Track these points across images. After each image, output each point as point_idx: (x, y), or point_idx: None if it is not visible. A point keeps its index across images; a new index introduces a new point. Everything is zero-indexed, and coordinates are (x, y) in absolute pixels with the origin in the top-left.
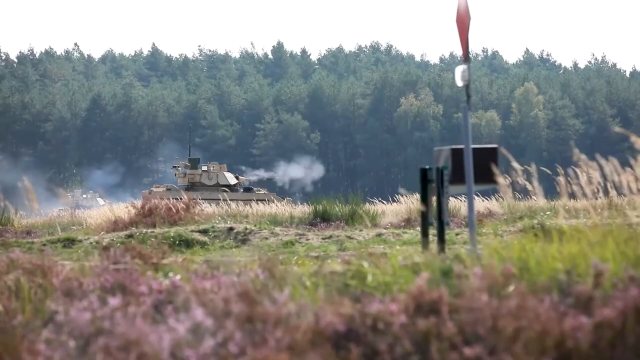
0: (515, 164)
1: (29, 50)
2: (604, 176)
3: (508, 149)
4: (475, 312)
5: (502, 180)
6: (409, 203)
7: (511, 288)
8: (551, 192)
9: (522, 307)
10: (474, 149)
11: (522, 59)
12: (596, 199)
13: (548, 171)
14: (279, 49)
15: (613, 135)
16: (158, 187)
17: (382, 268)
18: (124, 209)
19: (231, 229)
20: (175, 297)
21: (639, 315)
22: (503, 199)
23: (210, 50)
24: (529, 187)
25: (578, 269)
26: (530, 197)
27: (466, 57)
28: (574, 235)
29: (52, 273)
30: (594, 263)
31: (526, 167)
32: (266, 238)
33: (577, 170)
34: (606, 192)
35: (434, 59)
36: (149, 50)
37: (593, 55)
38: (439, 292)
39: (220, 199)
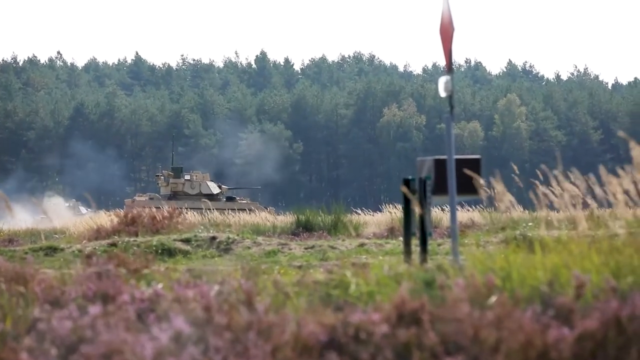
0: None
1: (12, 59)
2: (589, 187)
3: (490, 160)
4: (457, 322)
5: (501, 188)
6: (392, 213)
7: (493, 299)
8: (533, 203)
9: (504, 317)
10: (457, 160)
11: (504, 70)
12: (583, 208)
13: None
14: (262, 58)
15: (595, 146)
16: (141, 196)
17: (365, 278)
18: (106, 217)
19: (214, 238)
20: (158, 306)
21: (620, 326)
22: (486, 210)
23: (193, 60)
24: (512, 197)
25: (560, 279)
26: (514, 208)
27: (449, 68)
28: (556, 246)
29: (34, 281)
30: (576, 274)
31: (513, 175)
32: (249, 247)
33: (558, 181)
34: (588, 204)
35: (417, 70)
36: (132, 59)
37: (575, 67)
38: (421, 301)
39: (203, 208)
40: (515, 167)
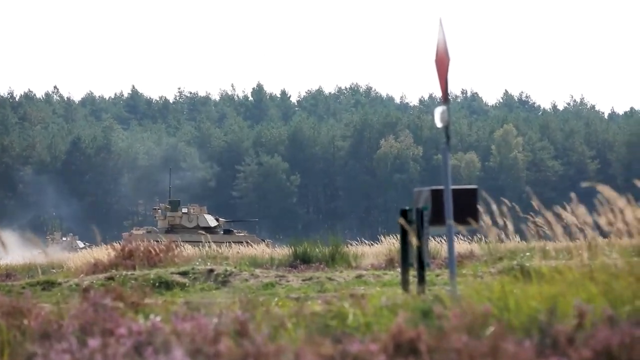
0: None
1: (8, 93)
2: (591, 215)
3: (488, 191)
4: (454, 352)
5: (487, 221)
6: (390, 244)
7: (491, 328)
8: (531, 233)
9: (499, 347)
10: (454, 190)
11: (501, 100)
12: (582, 238)
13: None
14: (259, 91)
15: (592, 176)
16: (138, 229)
17: (362, 309)
18: (103, 251)
19: (211, 270)
20: (155, 339)
21: (613, 355)
22: (484, 240)
23: (190, 93)
24: (509, 227)
25: (557, 309)
26: (510, 239)
27: (445, 99)
28: (553, 276)
29: (31, 315)
30: (577, 304)
31: (514, 204)
32: (246, 280)
33: (553, 212)
34: (585, 234)
35: (413, 101)
36: (128, 93)
37: (572, 97)
38: (417, 331)
39: (200, 241)
40: (506, 201)
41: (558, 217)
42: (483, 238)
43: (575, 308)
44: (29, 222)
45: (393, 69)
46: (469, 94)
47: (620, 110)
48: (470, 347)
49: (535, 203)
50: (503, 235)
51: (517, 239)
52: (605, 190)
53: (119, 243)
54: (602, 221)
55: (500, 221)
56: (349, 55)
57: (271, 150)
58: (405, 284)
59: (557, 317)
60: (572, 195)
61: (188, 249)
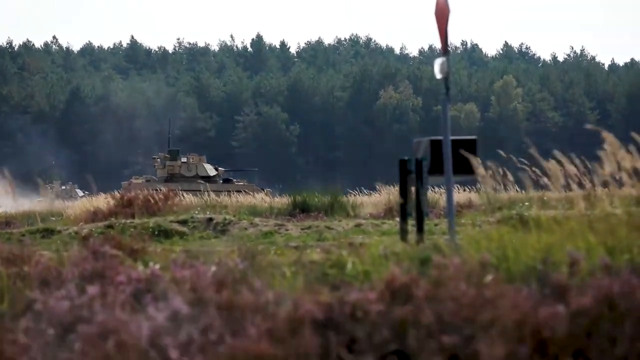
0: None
1: (7, 43)
2: (585, 168)
3: (487, 141)
4: (452, 300)
5: (481, 171)
6: (389, 194)
7: (489, 277)
8: (530, 183)
9: (498, 296)
10: (453, 140)
11: (501, 52)
12: (580, 188)
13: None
14: (258, 41)
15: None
16: (137, 178)
17: (361, 257)
18: (103, 200)
19: (210, 219)
20: (155, 286)
21: (613, 303)
22: (482, 190)
23: (189, 43)
24: (509, 177)
25: (554, 258)
26: (509, 189)
27: (445, 50)
28: (551, 225)
29: (30, 262)
30: (569, 252)
31: (511, 156)
32: (245, 229)
33: (553, 162)
34: (583, 184)
35: (413, 52)
36: (127, 43)
37: (572, 48)
38: (411, 276)
39: (200, 190)
40: (502, 153)
41: (559, 165)
42: (482, 188)
43: (568, 256)
44: (27, 171)
45: (393, 19)
46: (468, 45)
47: (620, 62)
48: (469, 296)
49: (533, 152)
50: (501, 185)
51: (517, 188)
52: (609, 137)
53: (118, 192)
54: (602, 171)
55: (499, 171)
56: (348, 6)
57: (270, 101)
58: (403, 233)
59: (552, 266)
60: (556, 152)
61: (187, 198)
